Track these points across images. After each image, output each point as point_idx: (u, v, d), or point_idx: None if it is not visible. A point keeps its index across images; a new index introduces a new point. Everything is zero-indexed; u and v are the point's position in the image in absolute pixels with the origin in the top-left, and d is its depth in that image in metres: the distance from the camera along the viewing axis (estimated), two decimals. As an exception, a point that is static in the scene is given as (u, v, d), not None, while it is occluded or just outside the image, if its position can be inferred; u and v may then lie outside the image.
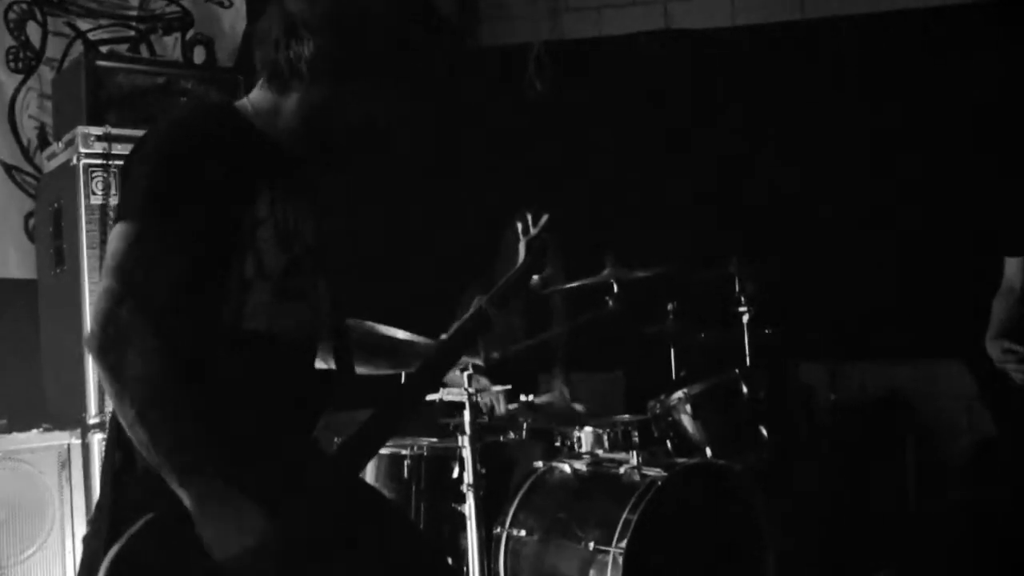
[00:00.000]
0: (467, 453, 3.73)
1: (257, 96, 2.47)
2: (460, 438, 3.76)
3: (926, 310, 5.44)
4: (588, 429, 4.44)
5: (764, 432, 4.45)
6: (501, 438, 4.44)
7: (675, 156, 5.99)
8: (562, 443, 4.48)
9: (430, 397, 3.42)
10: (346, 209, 3.03)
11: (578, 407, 4.80)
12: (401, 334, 2.80)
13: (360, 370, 2.64)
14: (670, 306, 5.00)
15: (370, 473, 4.22)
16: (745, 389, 4.54)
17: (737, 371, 4.60)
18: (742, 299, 4.90)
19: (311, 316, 2.44)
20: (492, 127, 6.05)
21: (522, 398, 4.54)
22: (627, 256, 4.52)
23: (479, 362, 2.81)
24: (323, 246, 2.45)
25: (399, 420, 2.40)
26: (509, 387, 4.47)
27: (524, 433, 4.46)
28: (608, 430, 4.40)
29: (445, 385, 3.61)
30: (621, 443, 4.39)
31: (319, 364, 2.59)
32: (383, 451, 4.07)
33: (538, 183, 5.78)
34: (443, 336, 2.72)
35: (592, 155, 6.08)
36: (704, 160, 5.94)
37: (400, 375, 2.64)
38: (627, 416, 4.55)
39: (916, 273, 5.56)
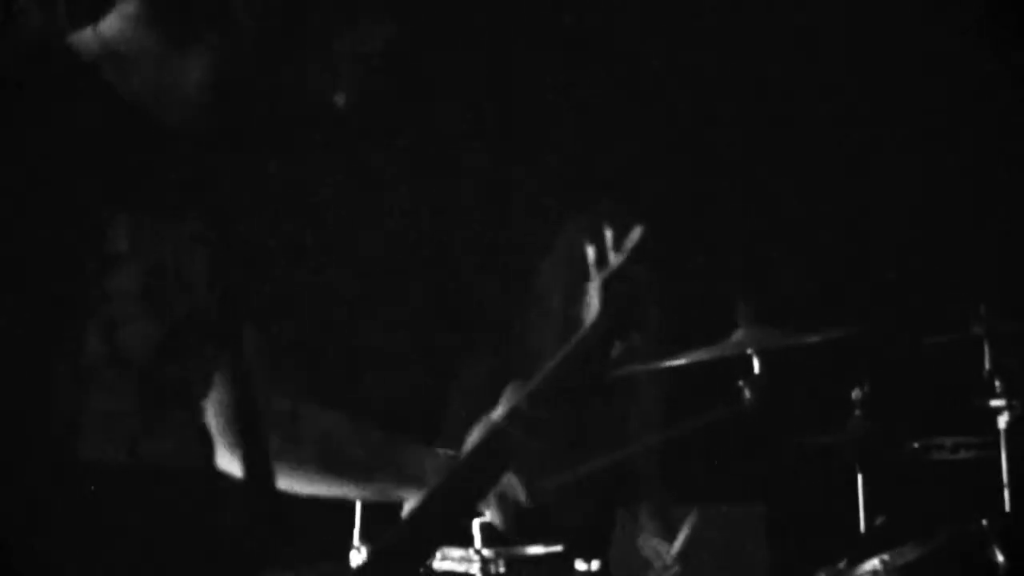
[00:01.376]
0: None
1: (118, 27, 2.10)
2: None
3: None
4: None
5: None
6: None
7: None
8: None
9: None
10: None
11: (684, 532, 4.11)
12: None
13: (305, 490, 2.34)
14: (856, 394, 4.18)
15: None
16: (1000, 557, 3.65)
17: (985, 522, 3.71)
18: (996, 383, 4.02)
19: (205, 427, 2.17)
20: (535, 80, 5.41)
21: (579, 566, 3.76)
22: (775, 310, 3.92)
23: (499, 516, 2.32)
24: (232, 298, 2.14)
25: None
26: (558, 548, 3.67)
27: None
28: None
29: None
30: None
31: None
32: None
33: (619, 174, 5.19)
34: (449, 452, 2.35)
35: (712, 131, 5.38)
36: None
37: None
38: None
39: None
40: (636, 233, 2.37)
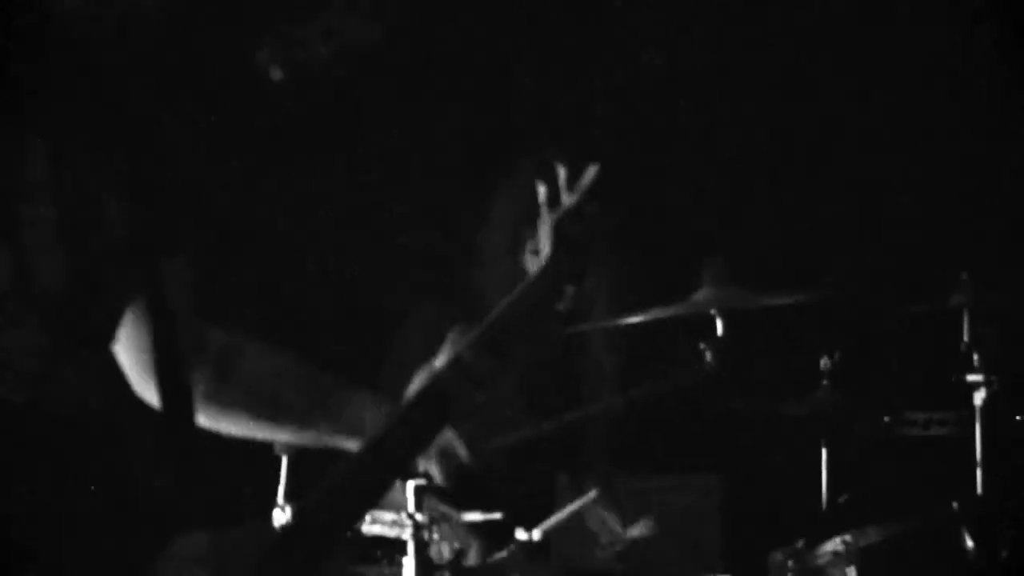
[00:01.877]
0: None
1: None
2: None
3: None
4: None
5: None
6: None
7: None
8: None
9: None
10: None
11: (638, 531, 4.03)
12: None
13: (234, 432, 2.34)
14: (824, 363, 4.08)
15: None
16: (970, 542, 3.61)
17: (956, 505, 3.68)
18: (974, 357, 3.91)
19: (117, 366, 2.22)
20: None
21: (520, 536, 3.60)
22: (743, 269, 3.80)
23: (439, 472, 2.31)
24: (150, 233, 2.14)
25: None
26: (498, 516, 3.58)
27: None
28: None
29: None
30: None
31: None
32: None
33: (578, 113, 5.10)
34: (382, 401, 2.32)
35: (679, 78, 5.26)
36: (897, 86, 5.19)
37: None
38: None
39: None
40: (591, 172, 2.31)
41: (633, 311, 3.80)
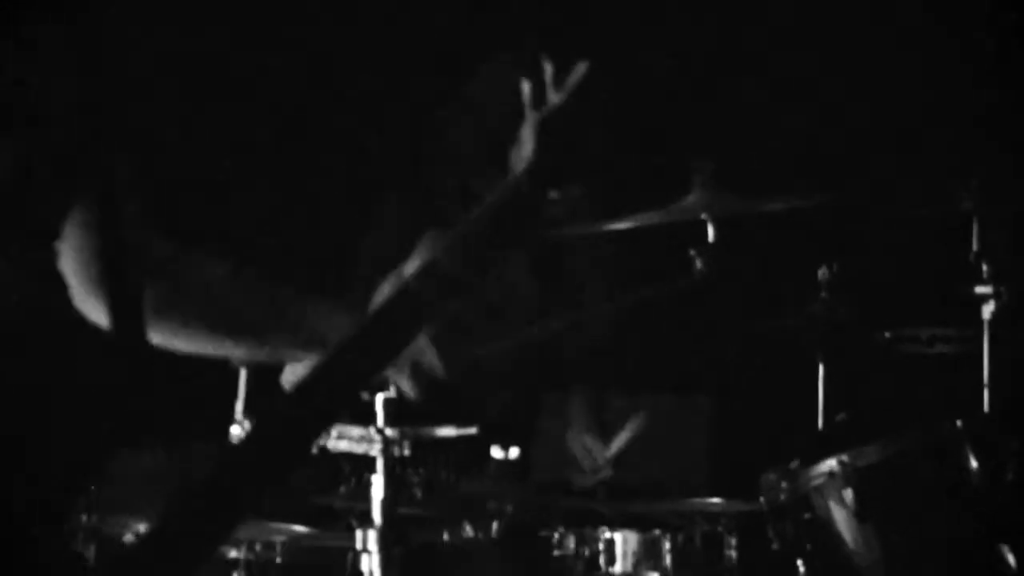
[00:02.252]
0: (371, 565, 3.11)
1: None
2: (358, 533, 3.12)
3: None
4: (628, 531, 3.67)
5: (1011, 560, 3.42)
6: (445, 536, 3.65)
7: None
8: (574, 551, 3.69)
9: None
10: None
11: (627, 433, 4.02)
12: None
13: (188, 348, 2.30)
14: (822, 274, 4.01)
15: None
16: (974, 463, 3.44)
17: (960, 423, 3.48)
18: (983, 267, 3.78)
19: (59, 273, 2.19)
20: None
21: (496, 454, 3.68)
22: (737, 173, 3.64)
23: (410, 385, 2.30)
24: (95, 133, 2.08)
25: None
26: (472, 431, 3.46)
27: (495, 527, 3.63)
28: (672, 532, 3.67)
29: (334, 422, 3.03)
30: (700, 558, 3.65)
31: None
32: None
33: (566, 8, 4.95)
34: (346, 311, 2.30)
35: None
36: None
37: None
38: (716, 501, 3.78)
39: None
40: (581, 69, 2.20)
41: (620, 216, 3.69)
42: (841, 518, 3.55)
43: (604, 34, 4.54)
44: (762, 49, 5.29)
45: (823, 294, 4.13)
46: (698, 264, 3.54)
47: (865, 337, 4.25)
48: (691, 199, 3.70)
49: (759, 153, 4.69)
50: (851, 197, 4.16)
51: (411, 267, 2.27)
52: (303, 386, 2.10)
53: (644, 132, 4.46)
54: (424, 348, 2.29)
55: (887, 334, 4.14)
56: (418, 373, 2.30)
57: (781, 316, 4.29)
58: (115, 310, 2.10)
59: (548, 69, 2.20)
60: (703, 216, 3.58)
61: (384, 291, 2.31)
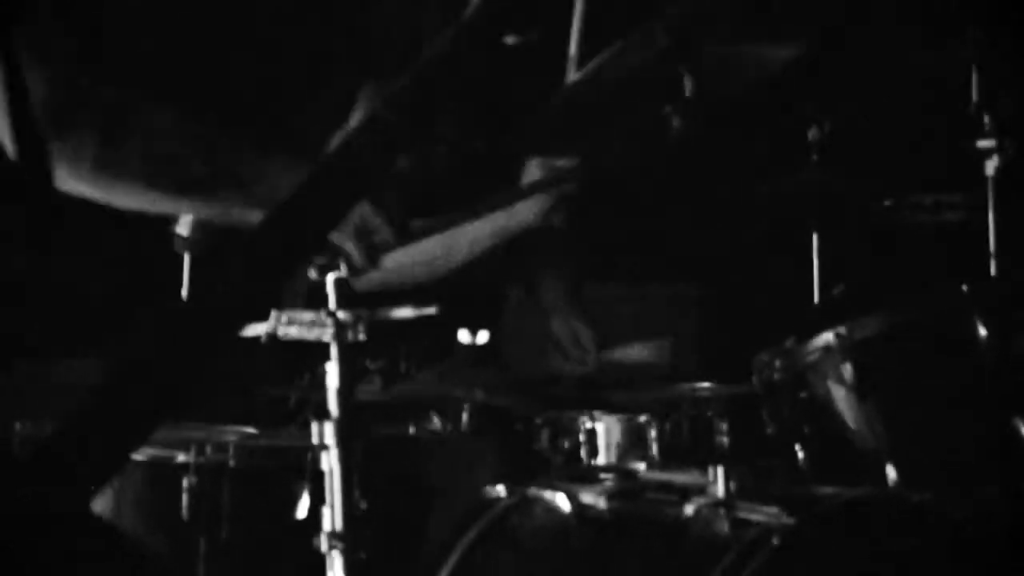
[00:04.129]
0: (330, 462, 2.96)
1: None
2: (315, 429, 2.96)
3: None
4: (611, 419, 3.62)
5: None
6: (410, 429, 3.61)
7: None
8: (552, 443, 3.69)
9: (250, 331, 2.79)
10: None
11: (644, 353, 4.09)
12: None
13: (129, 204, 2.42)
14: (813, 134, 3.98)
15: (110, 499, 3.26)
16: (983, 331, 3.39)
17: (965, 287, 3.43)
18: (985, 120, 3.72)
19: None
20: None
21: (463, 338, 3.62)
22: (714, 14, 3.47)
23: (355, 251, 2.45)
24: None
25: None
26: (431, 310, 3.20)
27: (465, 418, 3.63)
28: (658, 419, 3.60)
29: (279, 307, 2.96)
30: (688, 445, 3.65)
31: None
32: (140, 456, 3.27)
33: None
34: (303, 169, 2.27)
35: None
36: None
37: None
38: (705, 384, 3.78)
39: None
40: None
41: (584, 66, 3.53)
42: (840, 396, 3.53)
43: None
44: None
45: (814, 156, 4.04)
46: (674, 121, 3.29)
47: (862, 205, 4.18)
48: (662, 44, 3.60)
49: None
50: (841, 43, 4.07)
51: (353, 120, 2.33)
52: (244, 252, 2.13)
53: None
54: (370, 211, 2.34)
55: (887, 202, 4.14)
56: (364, 237, 2.34)
57: (770, 180, 4.24)
58: (21, 146, 2.08)
59: None
60: (679, 67, 3.38)
61: (330, 148, 2.27)
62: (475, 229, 3.43)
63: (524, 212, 3.45)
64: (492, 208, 3.58)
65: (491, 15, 2.25)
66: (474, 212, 3.47)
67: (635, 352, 4.09)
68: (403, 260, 3.11)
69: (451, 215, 3.23)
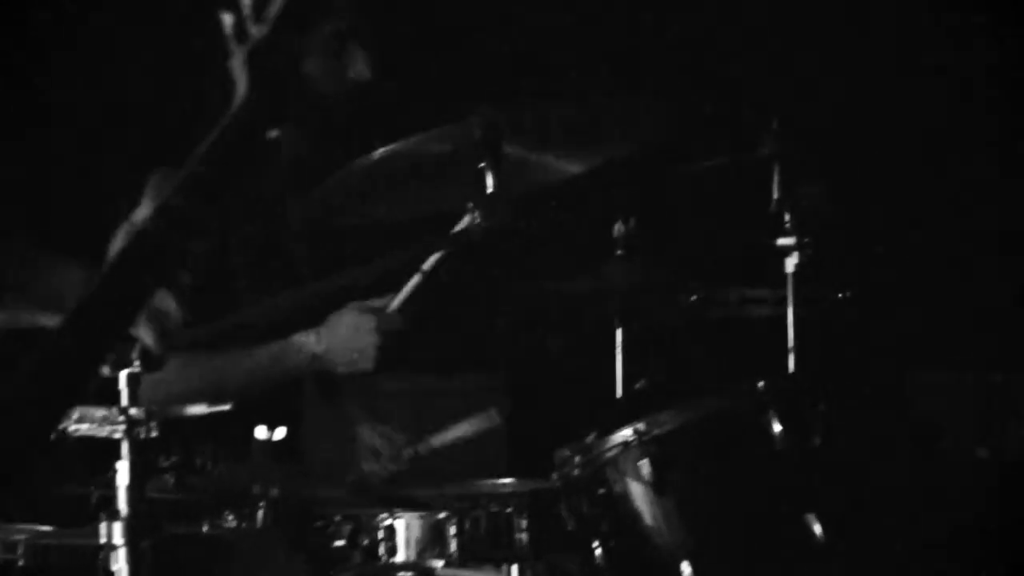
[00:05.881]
0: (119, 562, 2.92)
1: None
2: (103, 526, 2.91)
3: None
4: (411, 516, 3.66)
5: (817, 530, 3.52)
6: (204, 527, 3.60)
7: None
8: (351, 540, 3.67)
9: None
10: None
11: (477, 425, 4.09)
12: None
13: None
14: (618, 230, 4.15)
15: None
16: (777, 427, 3.55)
17: (761, 385, 3.60)
18: (786, 217, 3.96)
19: None
20: None
21: (260, 434, 3.59)
22: (519, 115, 3.66)
23: (148, 335, 2.36)
24: None
25: None
26: (225, 407, 3.40)
27: (261, 516, 3.58)
28: (458, 515, 3.63)
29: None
30: (488, 542, 3.64)
31: None
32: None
33: None
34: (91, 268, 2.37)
35: None
36: None
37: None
38: (508, 481, 3.90)
39: None
40: None
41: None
42: (638, 492, 3.60)
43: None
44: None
45: (619, 252, 4.11)
46: (476, 218, 3.42)
47: (667, 300, 4.29)
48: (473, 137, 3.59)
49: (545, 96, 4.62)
50: (647, 145, 4.03)
51: (141, 212, 2.29)
52: (38, 357, 2.11)
53: (420, 63, 4.44)
54: (164, 295, 2.31)
55: (693, 297, 4.25)
56: (156, 320, 2.31)
57: (575, 277, 4.29)
58: None
59: (246, 1, 2.29)
60: (480, 164, 3.49)
61: (118, 240, 2.32)
62: (255, 358, 3.52)
63: (309, 345, 3.53)
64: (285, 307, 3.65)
65: (252, 109, 2.24)
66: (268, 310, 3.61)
67: (464, 428, 4.12)
68: (178, 388, 3.24)
69: (246, 312, 3.35)
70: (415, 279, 3.77)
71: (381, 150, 3.88)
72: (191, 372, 3.25)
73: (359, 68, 2.84)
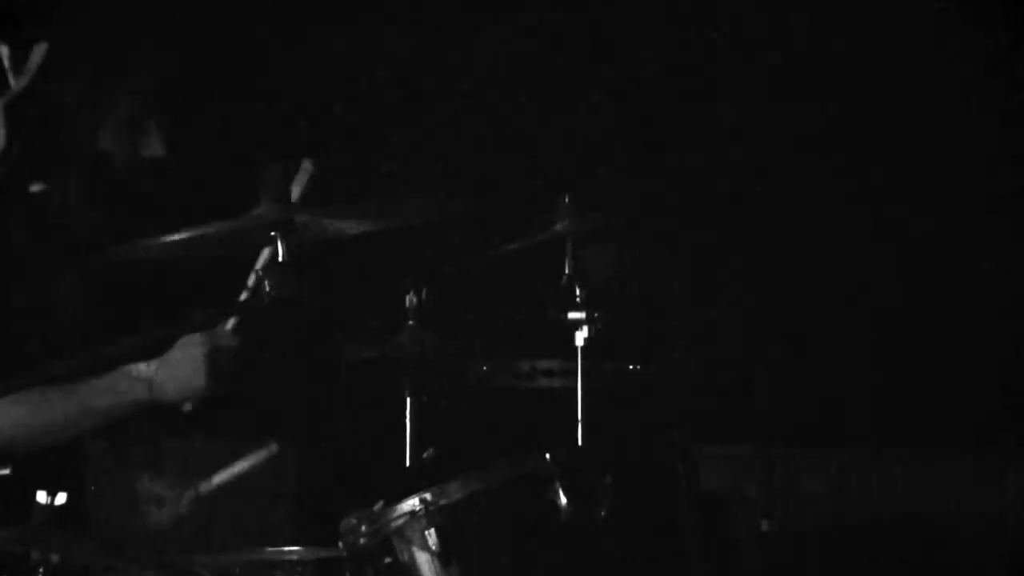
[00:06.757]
0: None
1: None
2: None
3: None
4: None
5: None
6: None
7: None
8: None
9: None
10: None
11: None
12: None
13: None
14: (410, 300, 4.18)
15: None
16: (563, 499, 3.59)
17: (549, 455, 3.63)
18: (577, 291, 4.04)
19: None
20: None
21: (41, 499, 3.54)
22: (313, 181, 3.71)
23: None
24: None
25: None
26: (5, 471, 3.60)
27: None
28: None
29: None
30: None
31: None
32: None
33: None
34: None
35: None
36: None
37: None
38: (294, 548, 3.86)
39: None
40: (40, 51, 2.41)
41: (171, 229, 3.55)
42: (424, 561, 3.58)
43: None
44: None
45: (411, 321, 4.13)
46: (266, 287, 3.29)
47: (458, 368, 4.36)
48: (259, 209, 3.45)
49: (339, 161, 4.56)
50: (436, 216, 4.06)
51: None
52: None
53: (202, 135, 4.34)
54: None
55: (484, 367, 4.29)
56: None
57: (365, 345, 4.25)
58: None
59: (4, 53, 2.39)
60: (271, 233, 3.38)
61: None
62: (65, 404, 3.46)
63: (141, 371, 3.47)
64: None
65: (10, 162, 2.38)
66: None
67: (244, 463, 4.06)
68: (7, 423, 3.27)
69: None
70: (245, 298, 3.73)
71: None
72: (19, 409, 3.27)
73: (153, 146, 2.84)
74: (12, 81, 2.40)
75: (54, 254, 4.04)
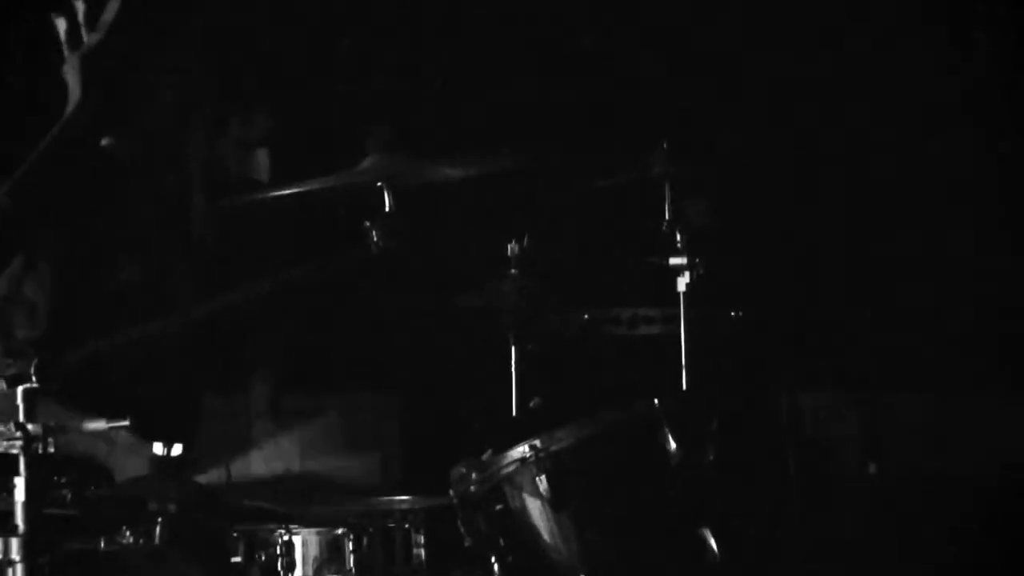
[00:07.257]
0: None
1: None
2: (2, 544, 2.96)
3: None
4: (309, 532, 3.67)
5: (712, 544, 3.62)
6: (101, 543, 3.53)
7: None
8: (248, 556, 3.65)
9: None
10: None
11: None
12: None
13: None
14: (512, 249, 4.18)
15: None
16: (673, 443, 3.62)
17: (657, 402, 3.66)
18: (678, 236, 4.01)
19: None
20: None
21: (157, 450, 3.68)
22: (418, 136, 3.99)
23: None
24: None
25: None
26: (124, 423, 3.23)
27: (158, 532, 3.56)
28: (356, 531, 3.64)
29: None
30: (386, 558, 3.66)
31: None
32: None
33: None
34: None
35: None
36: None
37: None
38: (403, 497, 3.86)
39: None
40: (114, 5, 2.40)
41: (288, 180, 3.67)
42: (535, 508, 3.64)
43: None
44: (444, 12, 5.30)
45: (513, 270, 4.17)
46: (375, 236, 3.49)
47: (561, 318, 4.36)
48: (366, 163, 3.64)
49: (441, 118, 4.70)
50: (537, 162, 4.18)
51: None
52: None
53: (314, 94, 4.45)
54: (12, 310, 2.44)
55: (586, 315, 4.30)
56: (9, 339, 2.42)
57: (470, 295, 4.36)
58: None
59: (80, 8, 2.41)
60: (378, 183, 3.55)
61: None
62: None
63: None
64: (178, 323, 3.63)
65: (86, 119, 2.36)
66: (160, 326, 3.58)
67: (340, 465, 4.18)
68: None
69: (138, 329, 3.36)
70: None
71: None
72: None
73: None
74: (85, 36, 2.44)
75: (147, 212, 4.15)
